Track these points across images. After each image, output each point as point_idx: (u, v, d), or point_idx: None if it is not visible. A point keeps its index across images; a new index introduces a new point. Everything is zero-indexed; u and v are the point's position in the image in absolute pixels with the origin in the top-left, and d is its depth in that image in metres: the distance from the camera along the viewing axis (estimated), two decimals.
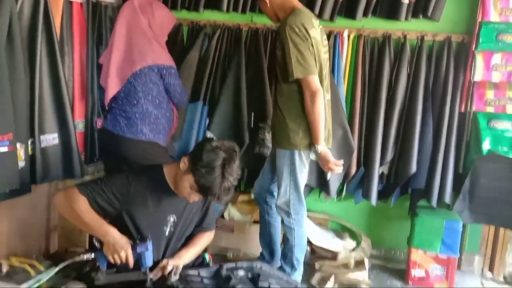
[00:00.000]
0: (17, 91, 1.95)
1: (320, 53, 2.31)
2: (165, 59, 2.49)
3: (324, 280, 2.63)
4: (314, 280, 2.66)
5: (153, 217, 1.91)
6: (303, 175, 2.42)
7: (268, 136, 2.99)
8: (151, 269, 1.85)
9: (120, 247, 1.76)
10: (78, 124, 2.44)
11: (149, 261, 1.80)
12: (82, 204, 1.78)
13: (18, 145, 1.96)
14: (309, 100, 2.23)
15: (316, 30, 2.31)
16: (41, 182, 2.15)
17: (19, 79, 1.97)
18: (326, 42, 2.47)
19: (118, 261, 1.77)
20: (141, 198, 1.88)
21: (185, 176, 1.80)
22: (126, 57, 2.42)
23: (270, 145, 2.94)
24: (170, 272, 1.83)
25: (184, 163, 1.82)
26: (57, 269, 1.79)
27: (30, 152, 2.07)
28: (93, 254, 1.81)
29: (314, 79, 2.22)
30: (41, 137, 2.12)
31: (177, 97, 2.62)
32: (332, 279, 2.60)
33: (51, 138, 2.17)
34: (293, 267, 2.55)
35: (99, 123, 2.58)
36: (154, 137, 2.47)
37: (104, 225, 1.80)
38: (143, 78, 2.40)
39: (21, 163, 2.00)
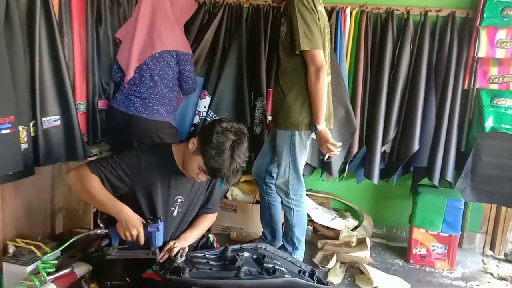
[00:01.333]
0: (17, 73, 1.93)
1: (325, 30, 2.30)
2: (184, 45, 2.54)
3: (326, 258, 2.66)
4: (317, 259, 2.69)
5: (162, 197, 1.94)
6: (303, 156, 2.42)
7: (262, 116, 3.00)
8: (160, 249, 1.88)
9: (133, 225, 1.79)
10: (79, 105, 2.43)
11: (159, 240, 1.84)
12: (95, 183, 1.82)
13: (20, 127, 1.95)
14: (313, 75, 2.22)
15: (322, 8, 2.31)
16: (45, 164, 2.15)
17: (19, 60, 1.95)
18: (327, 22, 2.46)
19: (130, 238, 1.82)
20: (150, 176, 1.90)
21: (194, 157, 1.82)
22: (148, 37, 2.45)
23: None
24: (176, 254, 1.86)
25: (193, 143, 1.84)
26: (71, 240, 1.84)
27: (32, 134, 2.06)
28: (106, 230, 1.86)
29: (320, 54, 2.22)
30: (43, 119, 2.11)
31: (189, 84, 2.67)
32: (334, 257, 2.63)
33: (53, 120, 2.16)
34: (294, 246, 2.58)
35: (100, 104, 2.57)
36: (168, 117, 2.55)
37: (118, 203, 1.83)
38: (162, 62, 2.46)
39: (24, 145, 2.00)
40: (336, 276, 2.54)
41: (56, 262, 1.93)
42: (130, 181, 1.88)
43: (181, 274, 1.72)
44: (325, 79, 2.22)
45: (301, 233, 2.58)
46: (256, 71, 2.95)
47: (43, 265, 1.87)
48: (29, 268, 1.93)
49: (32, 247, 2.03)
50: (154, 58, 2.43)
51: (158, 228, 1.81)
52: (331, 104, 2.47)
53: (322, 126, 2.27)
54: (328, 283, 2.12)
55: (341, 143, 2.37)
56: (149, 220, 1.82)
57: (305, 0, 2.19)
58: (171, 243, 1.93)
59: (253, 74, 2.97)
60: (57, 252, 1.98)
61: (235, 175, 1.81)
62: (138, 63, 2.46)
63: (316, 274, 2.05)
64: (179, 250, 1.88)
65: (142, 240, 1.82)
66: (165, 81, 2.49)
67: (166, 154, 1.94)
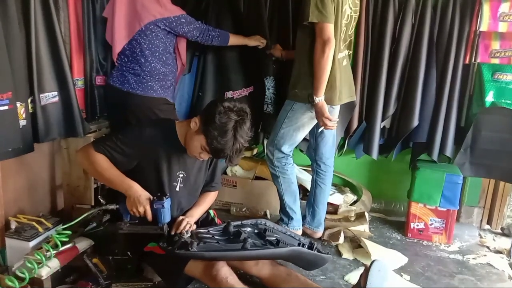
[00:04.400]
0: (13, 49, 1.91)
1: (342, 6, 2.30)
2: (171, 10, 2.44)
3: (334, 235, 2.69)
4: (325, 236, 2.71)
5: (165, 172, 1.95)
6: (296, 128, 2.48)
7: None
8: (169, 224, 1.90)
9: (140, 202, 1.82)
10: (77, 81, 2.40)
11: (166, 217, 1.86)
12: (102, 161, 1.85)
13: (18, 104, 1.94)
14: (319, 48, 2.23)
15: None
16: (43, 141, 2.15)
17: (14, 36, 1.92)
18: (357, 0, 2.47)
19: (137, 215, 1.85)
20: (155, 152, 1.91)
21: (196, 137, 1.83)
22: (130, 10, 2.38)
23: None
24: (182, 230, 1.88)
25: (195, 123, 1.84)
26: (83, 216, 1.90)
27: (30, 110, 2.05)
28: (117, 206, 1.90)
29: (329, 28, 2.22)
30: (41, 95, 2.10)
31: (200, 41, 2.59)
32: (342, 234, 2.66)
33: (51, 96, 2.15)
34: (288, 216, 2.65)
35: (98, 80, 2.55)
36: (163, 93, 2.52)
37: (126, 180, 1.86)
38: (149, 35, 2.39)
39: (22, 122, 1.99)
40: (347, 252, 2.58)
41: (69, 232, 1.96)
42: (135, 156, 1.90)
43: (189, 248, 1.75)
44: (330, 53, 2.23)
45: (292, 201, 2.64)
46: (261, 50, 2.90)
47: (57, 236, 1.91)
48: (32, 243, 1.96)
49: (34, 223, 2.06)
50: (141, 32, 2.37)
51: (163, 206, 1.82)
52: (342, 82, 2.44)
53: (319, 99, 2.30)
54: (328, 253, 2.18)
55: (337, 119, 2.43)
56: (155, 198, 1.83)
57: None
58: (180, 218, 1.96)
59: (259, 53, 2.92)
60: (59, 227, 2.00)
61: (238, 155, 1.82)
62: (127, 39, 2.40)
63: (315, 246, 2.10)
64: (186, 225, 1.91)
65: (149, 216, 1.84)
66: (156, 54, 2.44)
67: (169, 130, 1.95)
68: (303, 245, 2.07)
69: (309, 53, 2.31)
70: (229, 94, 2.92)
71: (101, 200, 1.99)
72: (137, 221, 1.91)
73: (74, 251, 1.98)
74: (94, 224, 2.10)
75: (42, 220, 2.09)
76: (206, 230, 1.96)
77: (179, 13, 2.46)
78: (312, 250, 2.06)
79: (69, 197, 2.50)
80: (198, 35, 2.56)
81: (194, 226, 1.96)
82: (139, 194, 1.83)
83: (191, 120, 1.86)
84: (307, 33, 2.31)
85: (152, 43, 2.42)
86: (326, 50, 2.21)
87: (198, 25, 2.55)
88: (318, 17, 2.20)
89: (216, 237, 1.93)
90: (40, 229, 2.03)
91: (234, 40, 2.72)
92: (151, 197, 1.84)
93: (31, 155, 2.12)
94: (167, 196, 1.85)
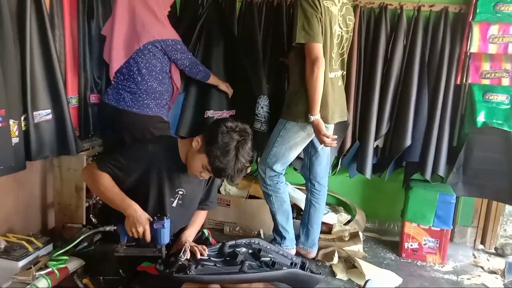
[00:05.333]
0: (7, 66, 1.91)
1: (332, 26, 2.33)
2: (169, 33, 2.48)
3: (328, 255, 2.66)
4: (320, 256, 2.69)
5: (165, 188, 1.94)
6: (289, 147, 2.49)
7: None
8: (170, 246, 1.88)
9: (139, 222, 1.80)
10: (71, 99, 2.40)
11: (165, 238, 1.83)
12: (105, 180, 1.86)
13: (11, 121, 1.93)
14: (309, 67, 2.27)
15: (333, 4, 2.34)
16: (36, 159, 2.13)
17: (9, 53, 1.92)
18: (349, 21, 2.50)
19: (136, 235, 1.82)
20: (157, 169, 1.91)
21: (198, 156, 1.83)
22: (130, 29, 2.41)
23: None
24: (179, 252, 1.85)
25: (197, 142, 1.85)
26: (81, 237, 1.87)
27: (23, 128, 2.04)
28: (115, 227, 1.86)
29: (317, 47, 2.26)
30: (34, 113, 2.09)
31: (187, 71, 2.65)
32: (336, 254, 2.64)
33: (44, 114, 2.14)
34: (281, 235, 2.63)
35: (92, 98, 2.55)
36: (159, 112, 2.53)
37: (126, 200, 1.84)
38: (147, 55, 2.41)
39: (15, 140, 1.98)
40: (342, 273, 2.55)
41: (66, 258, 1.91)
42: (138, 172, 1.89)
43: (188, 271, 1.73)
44: (321, 72, 2.27)
45: (284, 220, 2.63)
46: (254, 68, 2.93)
47: (54, 263, 1.86)
48: (21, 263, 1.92)
49: (24, 242, 2.02)
50: (139, 51, 2.39)
51: (163, 226, 1.80)
52: (335, 101, 2.48)
53: (315, 117, 2.33)
54: (320, 273, 2.18)
55: (335, 136, 2.45)
56: (155, 218, 1.81)
57: None
58: (182, 239, 1.94)
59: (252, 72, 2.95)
60: (49, 246, 1.97)
61: (239, 174, 1.82)
62: (125, 58, 2.41)
63: (307, 265, 2.10)
64: (184, 249, 1.87)
65: (148, 237, 1.82)
66: (153, 73, 2.46)
67: (171, 147, 1.95)
68: (295, 265, 2.07)
69: (300, 73, 2.35)
70: (209, 113, 2.94)
71: (93, 219, 1.97)
72: (134, 243, 1.88)
73: (65, 271, 1.93)
74: (85, 244, 2.06)
75: (32, 239, 2.06)
76: (207, 257, 1.93)
77: (176, 38, 2.50)
78: (304, 269, 2.07)
79: (60, 216, 2.47)
80: (187, 65, 2.60)
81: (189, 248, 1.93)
82: (139, 214, 1.82)
83: (193, 139, 1.87)
84: (297, 53, 2.36)
85: (150, 62, 2.43)
86: (315, 69, 2.25)
87: (190, 56, 2.61)
88: (306, 37, 2.24)
89: (212, 258, 1.91)
90: (30, 249, 2.00)
91: (212, 79, 2.80)
92: (151, 218, 1.82)
93: (23, 172, 2.10)
94: (167, 217, 1.82)
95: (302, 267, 2.07)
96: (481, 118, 2.75)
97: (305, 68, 2.29)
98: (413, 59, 2.84)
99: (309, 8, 2.24)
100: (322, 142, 2.40)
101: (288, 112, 2.44)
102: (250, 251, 2.04)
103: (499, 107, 2.75)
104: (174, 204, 1.99)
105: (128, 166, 1.88)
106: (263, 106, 3.01)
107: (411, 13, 2.88)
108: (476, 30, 2.70)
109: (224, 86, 2.88)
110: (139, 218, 1.81)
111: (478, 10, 2.68)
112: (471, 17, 2.72)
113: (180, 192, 1.99)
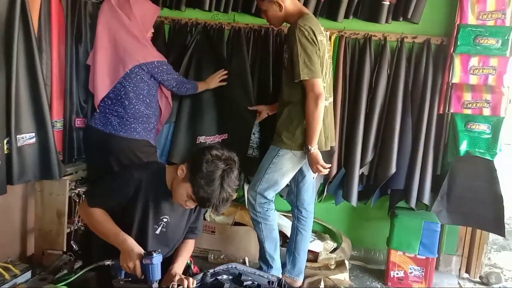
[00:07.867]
0: None
1: (324, 57, 2.39)
2: (153, 55, 2.49)
3: (314, 284, 2.63)
4: (306, 285, 2.66)
5: (150, 214, 1.90)
6: (281, 174, 2.47)
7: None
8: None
9: (130, 257, 1.75)
10: (56, 123, 2.38)
11: (155, 274, 1.76)
12: (97, 216, 1.84)
13: None
14: (312, 103, 2.30)
15: (323, 35, 2.41)
16: (18, 183, 2.09)
17: None
18: (329, 47, 2.57)
19: (129, 271, 1.77)
20: (142, 194, 1.87)
21: (183, 184, 1.79)
22: (113, 57, 2.41)
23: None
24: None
25: (182, 170, 1.81)
26: (83, 271, 1.79)
27: (6, 151, 2.01)
28: (112, 262, 1.81)
29: (319, 83, 2.30)
30: (18, 136, 2.07)
31: (175, 91, 2.67)
32: (322, 283, 2.60)
33: (28, 137, 2.11)
34: (268, 264, 2.59)
35: (78, 122, 2.53)
36: (146, 136, 2.52)
37: (120, 234, 1.81)
38: (134, 78, 2.41)
39: None
40: None
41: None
42: (125, 198, 1.86)
43: None
44: (323, 106, 2.31)
45: (272, 248, 2.59)
46: (245, 95, 2.95)
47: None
48: None
49: (0, 270, 1.96)
50: (126, 75, 2.40)
51: (152, 261, 1.73)
52: (330, 127, 2.55)
53: (314, 148, 2.35)
54: None
55: (330, 165, 2.48)
56: (145, 253, 1.76)
57: (305, 31, 2.27)
58: (172, 273, 1.87)
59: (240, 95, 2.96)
60: (27, 274, 1.91)
61: (224, 204, 1.78)
62: (111, 86, 2.41)
63: (283, 281, 2.06)
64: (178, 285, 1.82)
65: (138, 272, 1.75)
66: (141, 96, 2.46)
67: (158, 174, 1.92)
68: (272, 283, 2.03)
69: (298, 104, 2.37)
70: (201, 139, 2.94)
71: (74, 246, 1.92)
72: (130, 279, 1.81)
73: None
74: (65, 271, 2.01)
75: (10, 266, 2.00)
76: None
77: (161, 59, 2.51)
78: (281, 287, 2.03)
79: (40, 242, 2.41)
80: (174, 85, 2.62)
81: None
82: (131, 248, 1.76)
83: (178, 167, 1.83)
84: (294, 87, 2.37)
85: (137, 86, 2.43)
86: (319, 103, 2.29)
87: (176, 76, 2.63)
88: (309, 74, 2.28)
89: None
90: (7, 276, 1.94)
91: (201, 87, 2.83)
92: (143, 253, 1.77)
93: (3, 197, 2.06)
94: (157, 252, 1.76)
95: (279, 284, 2.04)
96: (463, 147, 2.80)
97: (305, 101, 2.31)
98: (397, 88, 2.90)
99: (309, 45, 2.27)
100: (316, 171, 2.41)
101: (281, 140, 2.43)
102: (230, 276, 2.00)
103: (481, 137, 2.80)
104: (157, 232, 1.94)
105: (115, 193, 1.85)
106: (254, 132, 3.02)
107: (394, 44, 2.95)
108: (457, 62, 2.78)
109: (213, 83, 2.87)
110: (131, 253, 1.75)
111: (459, 43, 2.76)
112: (452, 49, 2.80)
113: (165, 220, 1.95)
